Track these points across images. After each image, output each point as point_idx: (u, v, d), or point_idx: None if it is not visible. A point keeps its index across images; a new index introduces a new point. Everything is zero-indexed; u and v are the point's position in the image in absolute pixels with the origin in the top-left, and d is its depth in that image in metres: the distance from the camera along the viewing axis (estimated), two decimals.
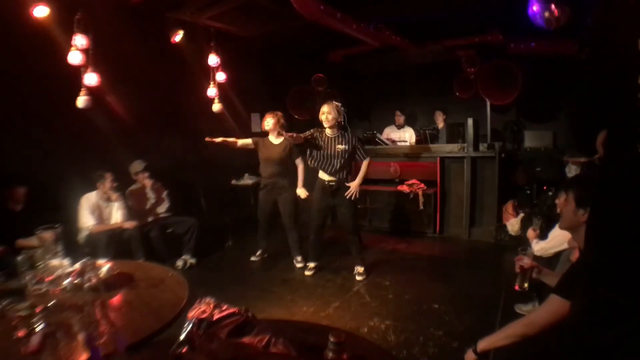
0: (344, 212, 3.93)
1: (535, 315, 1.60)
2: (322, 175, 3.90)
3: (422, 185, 5.43)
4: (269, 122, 4.22)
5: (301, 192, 4.22)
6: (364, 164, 3.87)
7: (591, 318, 1.08)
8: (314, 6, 4.40)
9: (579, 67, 5.33)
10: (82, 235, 3.84)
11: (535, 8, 3.96)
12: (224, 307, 1.20)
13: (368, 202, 5.87)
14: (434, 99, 7.40)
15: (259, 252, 4.63)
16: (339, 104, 3.84)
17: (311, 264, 4.17)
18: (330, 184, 3.85)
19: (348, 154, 3.80)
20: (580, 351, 1.10)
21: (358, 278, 3.92)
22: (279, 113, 4.31)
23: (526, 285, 1.93)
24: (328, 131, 3.82)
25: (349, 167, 3.93)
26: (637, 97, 0.95)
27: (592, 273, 1.08)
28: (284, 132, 3.86)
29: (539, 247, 2.73)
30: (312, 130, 3.92)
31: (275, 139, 4.27)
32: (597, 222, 1.14)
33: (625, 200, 0.99)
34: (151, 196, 4.40)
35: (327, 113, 3.76)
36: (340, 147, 3.79)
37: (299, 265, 4.30)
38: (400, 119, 7.11)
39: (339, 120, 3.80)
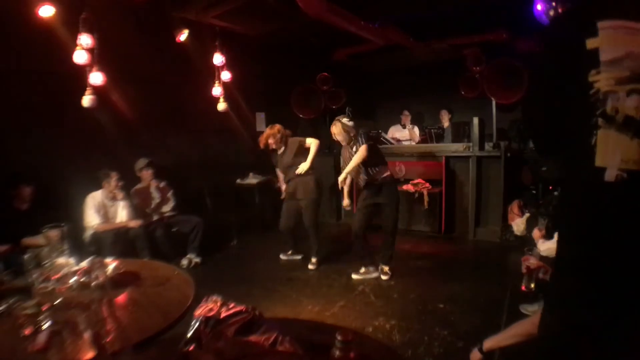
0: (387, 213, 3.86)
1: None
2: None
3: (427, 184, 5.41)
4: (270, 143, 4.21)
5: (303, 167, 4.14)
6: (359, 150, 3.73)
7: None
8: (319, 4, 4.40)
9: None
10: (88, 234, 3.85)
11: (539, 7, 3.93)
12: (231, 305, 1.20)
13: None
14: (439, 98, 7.35)
15: (290, 252, 4.63)
16: (346, 120, 3.78)
17: (362, 269, 4.01)
18: (367, 182, 3.82)
19: None
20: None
21: (383, 277, 3.87)
22: (276, 127, 4.23)
23: (532, 285, 1.92)
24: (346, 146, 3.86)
25: (377, 164, 3.79)
26: (588, 94, 1.00)
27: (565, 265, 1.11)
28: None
29: (545, 247, 2.72)
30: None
31: (280, 150, 4.31)
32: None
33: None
34: (156, 195, 4.42)
35: (336, 135, 3.81)
36: (355, 150, 3.78)
37: (311, 267, 4.28)
38: (407, 118, 7.10)
39: (351, 136, 3.78)
